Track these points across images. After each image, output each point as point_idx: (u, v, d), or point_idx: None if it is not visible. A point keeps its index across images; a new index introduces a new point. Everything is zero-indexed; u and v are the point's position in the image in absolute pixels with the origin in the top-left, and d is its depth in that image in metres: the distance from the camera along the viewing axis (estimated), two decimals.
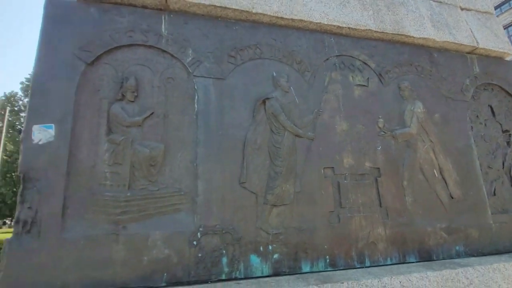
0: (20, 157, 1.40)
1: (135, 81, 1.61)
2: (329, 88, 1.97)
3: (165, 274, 1.43)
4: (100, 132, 1.53)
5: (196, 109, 1.68)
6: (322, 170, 1.81)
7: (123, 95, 1.58)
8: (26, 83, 29.32)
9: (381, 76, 2.14)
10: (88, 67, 1.57)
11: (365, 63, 2.12)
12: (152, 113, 1.61)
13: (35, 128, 1.44)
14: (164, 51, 1.71)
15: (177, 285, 1.43)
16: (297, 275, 1.58)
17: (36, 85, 1.49)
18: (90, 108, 1.54)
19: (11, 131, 26.32)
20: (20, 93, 28.67)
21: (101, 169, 1.49)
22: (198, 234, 1.51)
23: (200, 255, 1.48)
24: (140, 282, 1.39)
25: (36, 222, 1.34)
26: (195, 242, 1.49)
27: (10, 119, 25.83)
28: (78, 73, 1.55)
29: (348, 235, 1.75)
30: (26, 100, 28.54)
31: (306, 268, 1.64)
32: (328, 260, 1.68)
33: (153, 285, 1.41)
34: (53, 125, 1.46)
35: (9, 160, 23.98)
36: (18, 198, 1.37)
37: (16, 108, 26.65)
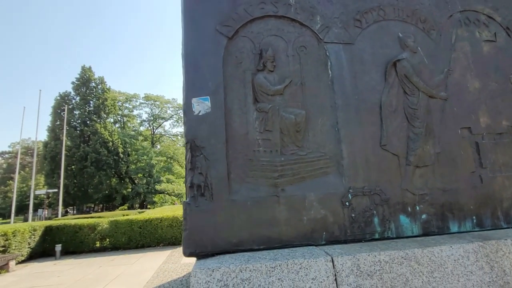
0: (185, 128, 1.52)
1: (273, 52, 1.66)
2: (457, 46, 1.88)
3: (324, 233, 1.49)
4: (248, 102, 1.61)
5: (330, 75, 1.69)
6: (459, 131, 1.75)
7: (264, 66, 1.64)
8: (77, 82, 31.61)
9: (508, 29, 1.99)
10: (229, 41, 1.64)
11: (490, 17, 1.99)
12: (291, 81, 1.65)
13: (194, 101, 1.55)
14: (293, 20, 1.73)
15: (335, 243, 1.49)
16: (448, 235, 1.57)
17: (189, 61, 1.59)
18: (236, 80, 1.62)
19: (67, 128, 28.72)
20: (72, 92, 31.05)
21: (253, 137, 1.57)
22: (349, 195, 1.55)
23: (353, 215, 1.53)
24: (302, 239, 1.47)
25: (207, 186, 1.46)
26: (347, 203, 1.54)
27: (66, 116, 28.07)
28: (222, 48, 1.62)
29: (492, 196, 1.70)
30: (78, 98, 30.91)
31: (454, 228, 1.62)
32: (475, 220, 1.65)
33: (314, 243, 1.48)
34: (208, 97, 1.56)
35: (68, 154, 26.22)
36: (188, 165, 1.49)
37: (70, 107, 28.94)
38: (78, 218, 15.87)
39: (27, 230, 10.40)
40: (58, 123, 27.95)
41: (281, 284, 1.21)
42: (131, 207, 33.10)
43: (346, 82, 1.69)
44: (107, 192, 31.83)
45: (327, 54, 1.71)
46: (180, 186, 35.48)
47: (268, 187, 1.50)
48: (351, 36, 1.76)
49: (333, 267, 1.27)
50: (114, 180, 32.44)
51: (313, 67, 1.70)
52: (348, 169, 1.58)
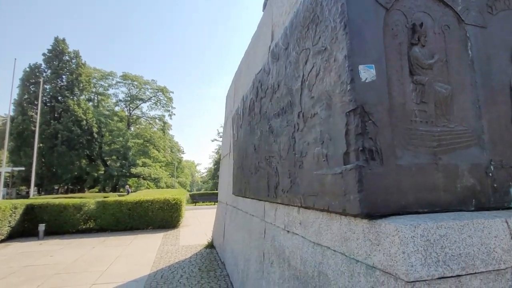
0: (351, 94, 1.54)
1: (425, 27, 1.71)
2: None
3: (473, 200, 1.61)
4: (404, 73, 1.66)
5: (470, 55, 1.79)
6: None
7: (418, 40, 1.69)
8: (48, 54, 29.25)
9: None
10: (386, 13, 1.67)
11: None
12: (439, 57, 1.72)
13: (361, 68, 1.57)
14: None
15: (482, 210, 1.62)
16: None
17: (353, 28, 1.60)
18: (393, 51, 1.66)
19: (36, 103, 26.65)
20: (43, 65, 28.71)
21: (410, 107, 1.63)
22: (491, 167, 1.68)
23: (495, 185, 1.66)
24: (456, 205, 1.58)
25: (377, 150, 1.51)
26: (490, 174, 1.67)
27: (34, 90, 25.98)
28: (381, 18, 1.65)
29: None
30: (49, 71, 28.61)
31: None
32: None
33: (465, 209, 1.59)
34: (373, 65, 1.58)
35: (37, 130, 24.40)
36: (356, 130, 1.52)
37: (40, 80, 26.84)
38: (58, 197, 14.96)
39: (8, 208, 9.74)
40: (26, 96, 25.87)
41: (471, 241, 1.32)
42: (102, 190, 31.77)
43: (483, 63, 1.80)
44: (76, 173, 30.24)
45: (467, 35, 1.80)
46: (156, 171, 34.63)
47: (427, 155, 1.58)
48: (484, 20, 1.86)
49: (508, 227, 1.39)
50: (84, 161, 30.85)
51: (455, 46, 1.78)
52: (488, 143, 1.70)
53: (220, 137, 56.05)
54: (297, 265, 2.27)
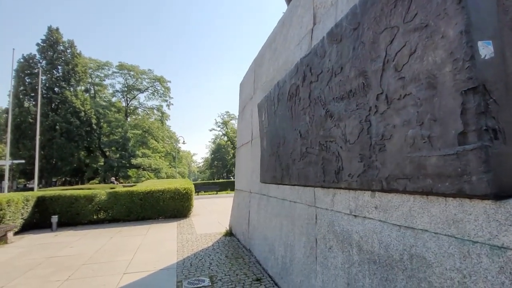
0: (470, 71, 1.48)
1: None
2: None
3: None
4: None
5: None
6: None
7: None
8: (42, 44, 28.41)
9: None
10: None
11: None
12: None
13: (480, 44, 1.51)
14: None
15: None
16: None
17: (469, 2, 1.52)
18: (505, 27, 1.59)
19: (32, 95, 26.04)
20: (38, 55, 27.91)
21: None
22: None
23: None
24: None
25: (500, 130, 1.46)
26: None
27: (29, 81, 25.41)
28: None
29: None
30: (44, 62, 27.83)
31: None
32: None
33: None
34: (491, 41, 1.52)
35: (34, 123, 23.95)
36: (478, 109, 1.47)
37: (35, 71, 26.16)
38: (67, 189, 14.85)
39: (20, 200, 9.67)
40: (22, 88, 25.21)
41: None
42: (102, 181, 31.58)
43: None
44: (75, 165, 29.93)
45: None
46: (156, 161, 34.44)
47: None
48: None
49: None
50: (83, 153, 30.51)
51: None
52: None
53: (218, 126, 55.90)
54: (374, 249, 2.26)
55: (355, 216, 2.55)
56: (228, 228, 8.41)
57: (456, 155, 1.56)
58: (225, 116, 53.04)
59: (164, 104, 39.18)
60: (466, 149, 1.51)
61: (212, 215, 12.58)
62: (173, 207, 11.52)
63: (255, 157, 6.17)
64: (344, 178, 2.62)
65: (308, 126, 3.37)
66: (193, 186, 12.63)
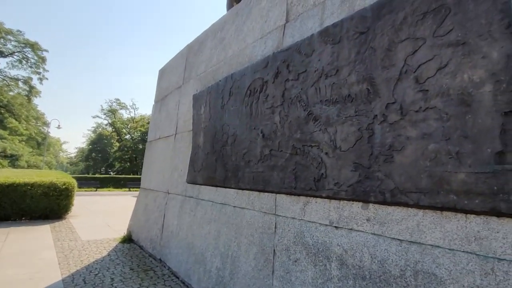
0: None
1: None
2: None
3: None
4: None
5: None
6: None
7: None
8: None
9: None
10: None
11: None
12: None
13: None
14: None
15: None
16: None
17: None
18: None
19: None
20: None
21: None
22: None
23: None
24: None
25: None
26: None
27: None
28: None
29: None
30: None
31: None
32: None
33: None
34: None
35: None
36: None
37: None
38: None
39: None
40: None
41: None
42: None
43: None
44: None
45: None
46: (15, 146, 27.26)
47: None
48: None
49: None
50: None
51: None
52: None
53: (104, 114, 49.00)
54: (364, 264, 2.15)
55: (336, 227, 2.41)
56: (126, 233, 7.21)
57: (493, 173, 1.58)
58: (114, 103, 47.13)
59: (35, 76, 31.48)
60: (506, 168, 1.54)
61: (97, 216, 10.65)
62: (46, 205, 9.19)
63: (179, 154, 5.47)
64: (328, 187, 2.46)
65: (276, 126, 3.10)
66: (74, 180, 10.44)
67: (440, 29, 1.87)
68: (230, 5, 6.95)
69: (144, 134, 37.89)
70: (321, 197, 2.55)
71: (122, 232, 7.56)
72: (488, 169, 1.60)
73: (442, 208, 1.78)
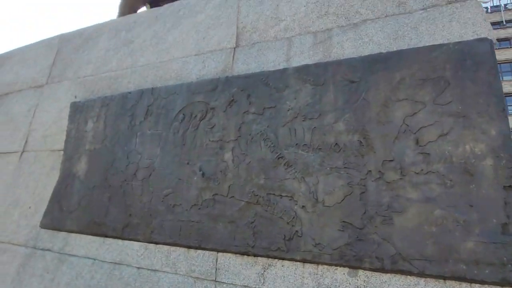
0: None
1: None
2: None
3: None
4: None
5: None
6: None
7: None
8: None
9: None
10: None
11: None
12: None
13: None
14: None
15: None
16: None
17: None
18: None
19: None
20: None
21: None
22: None
23: None
24: None
25: None
26: None
27: None
28: None
29: None
30: None
31: None
32: None
33: None
34: None
35: None
36: None
37: None
38: None
39: None
40: None
41: None
42: None
43: None
44: None
45: None
46: None
47: None
48: None
49: None
50: None
51: None
52: None
53: None
54: None
55: None
56: None
57: (502, 244, 1.65)
58: None
59: None
60: None
61: None
62: None
63: (28, 181, 3.69)
64: (304, 248, 2.06)
65: (226, 165, 2.49)
66: None
67: (440, 98, 1.97)
68: (126, 7, 5.86)
69: None
70: (293, 260, 2.10)
71: None
72: (496, 240, 1.67)
73: (447, 278, 1.73)
